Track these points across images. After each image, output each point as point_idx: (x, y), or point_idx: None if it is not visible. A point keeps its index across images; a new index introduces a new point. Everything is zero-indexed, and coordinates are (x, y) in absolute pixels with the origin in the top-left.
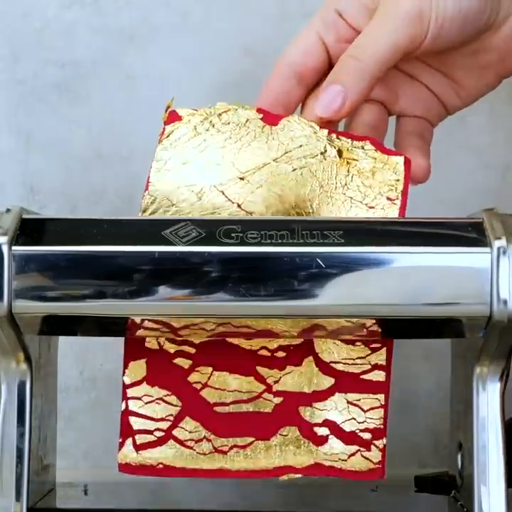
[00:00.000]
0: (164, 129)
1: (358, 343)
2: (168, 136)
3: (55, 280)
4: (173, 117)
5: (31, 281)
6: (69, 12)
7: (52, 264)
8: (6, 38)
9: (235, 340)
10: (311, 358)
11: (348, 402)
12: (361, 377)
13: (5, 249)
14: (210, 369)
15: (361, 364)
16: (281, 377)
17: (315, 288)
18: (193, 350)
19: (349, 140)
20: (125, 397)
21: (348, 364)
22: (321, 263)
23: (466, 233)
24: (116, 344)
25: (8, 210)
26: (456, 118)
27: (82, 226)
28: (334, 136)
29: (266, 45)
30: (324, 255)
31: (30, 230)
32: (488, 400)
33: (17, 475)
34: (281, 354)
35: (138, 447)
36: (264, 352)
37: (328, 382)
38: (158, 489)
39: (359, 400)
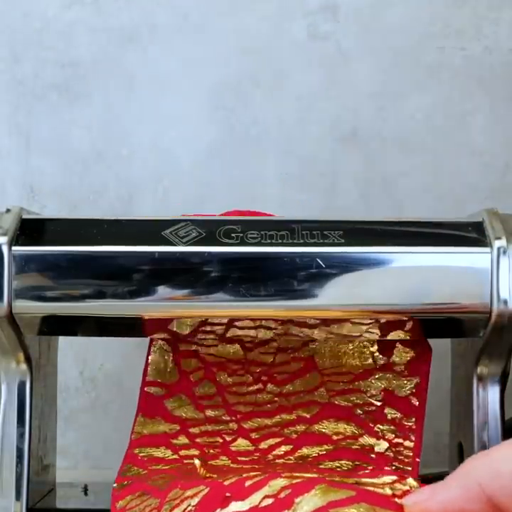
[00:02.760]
0: None
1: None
2: None
3: (55, 280)
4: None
5: (31, 281)
6: (69, 12)
7: (52, 264)
8: (6, 38)
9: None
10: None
11: None
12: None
13: (5, 249)
14: None
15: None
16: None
17: (315, 288)
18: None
19: None
20: None
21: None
22: (321, 263)
23: (466, 233)
24: (116, 344)
25: (8, 210)
26: (456, 118)
27: (82, 226)
28: None
29: (266, 45)
30: (324, 255)
31: (30, 230)
32: (488, 399)
33: (17, 475)
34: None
35: None
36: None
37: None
38: None
39: None
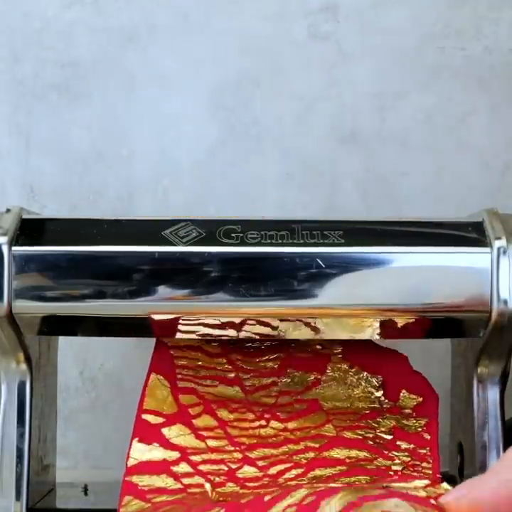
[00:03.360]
0: None
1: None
2: None
3: (55, 280)
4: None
5: (31, 281)
6: (69, 12)
7: (52, 264)
8: (6, 38)
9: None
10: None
11: None
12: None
13: (5, 249)
14: None
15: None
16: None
17: (315, 288)
18: None
19: None
20: None
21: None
22: (321, 263)
23: (466, 233)
24: (116, 344)
25: (8, 210)
26: (456, 118)
27: (82, 226)
28: None
29: (266, 45)
30: (324, 255)
31: (30, 230)
32: (488, 399)
33: (17, 475)
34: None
35: None
36: None
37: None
38: None
39: None
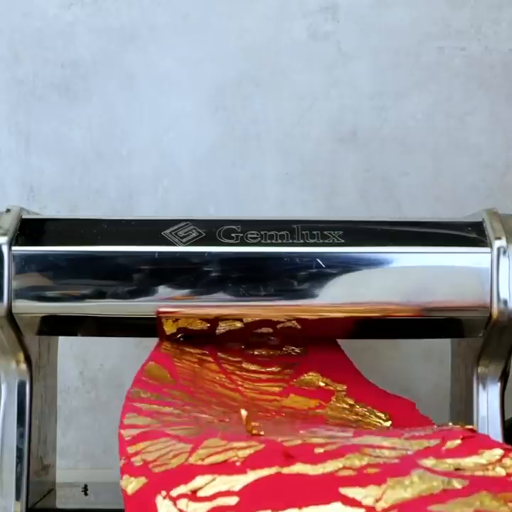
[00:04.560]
0: None
1: None
2: None
3: (54, 280)
4: None
5: (31, 281)
6: (69, 12)
7: (52, 264)
8: (6, 38)
9: None
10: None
11: None
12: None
13: (5, 249)
14: None
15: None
16: None
17: (315, 288)
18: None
19: None
20: None
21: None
22: (321, 263)
23: (466, 233)
24: (116, 344)
25: (8, 210)
26: (456, 118)
27: (82, 226)
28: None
29: (266, 45)
30: (324, 255)
31: (30, 230)
32: (488, 399)
33: (17, 475)
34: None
35: None
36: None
37: None
38: None
39: None
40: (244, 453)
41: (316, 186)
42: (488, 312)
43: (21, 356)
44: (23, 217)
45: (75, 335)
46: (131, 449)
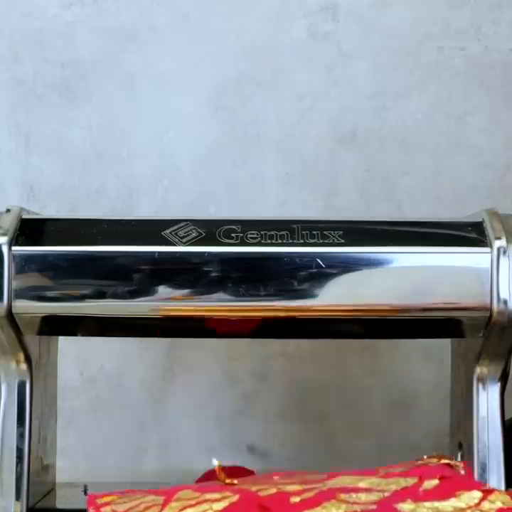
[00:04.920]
0: None
1: None
2: None
3: (54, 280)
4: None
5: (31, 281)
6: (69, 12)
7: (52, 264)
8: (6, 38)
9: None
10: None
11: None
12: None
13: (5, 249)
14: None
15: None
16: None
17: (315, 288)
18: None
19: None
20: None
21: None
22: (321, 263)
23: (466, 233)
24: (116, 344)
25: (8, 210)
26: (456, 118)
27: (82, 226)
28: None
29: (266, 45)
30: (324, 255)
31: (30, 230)
32: (488, 399)
33: (17, 475)
34: None
35: None
36: None
37: None
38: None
39: None
40: (218, 506)
41: (316, 186)
42: (488, 312)
43: (21, 356)
44: (23, 217)
45: (75, 335)
46: (100, 500)
